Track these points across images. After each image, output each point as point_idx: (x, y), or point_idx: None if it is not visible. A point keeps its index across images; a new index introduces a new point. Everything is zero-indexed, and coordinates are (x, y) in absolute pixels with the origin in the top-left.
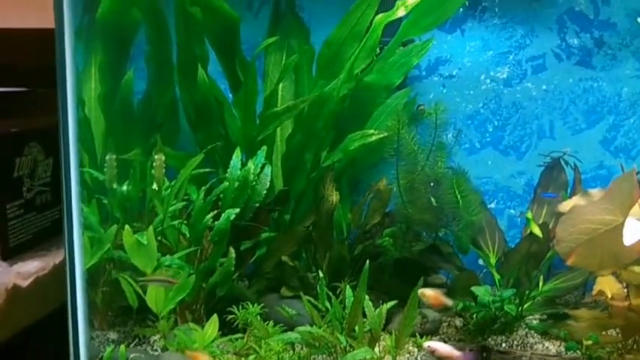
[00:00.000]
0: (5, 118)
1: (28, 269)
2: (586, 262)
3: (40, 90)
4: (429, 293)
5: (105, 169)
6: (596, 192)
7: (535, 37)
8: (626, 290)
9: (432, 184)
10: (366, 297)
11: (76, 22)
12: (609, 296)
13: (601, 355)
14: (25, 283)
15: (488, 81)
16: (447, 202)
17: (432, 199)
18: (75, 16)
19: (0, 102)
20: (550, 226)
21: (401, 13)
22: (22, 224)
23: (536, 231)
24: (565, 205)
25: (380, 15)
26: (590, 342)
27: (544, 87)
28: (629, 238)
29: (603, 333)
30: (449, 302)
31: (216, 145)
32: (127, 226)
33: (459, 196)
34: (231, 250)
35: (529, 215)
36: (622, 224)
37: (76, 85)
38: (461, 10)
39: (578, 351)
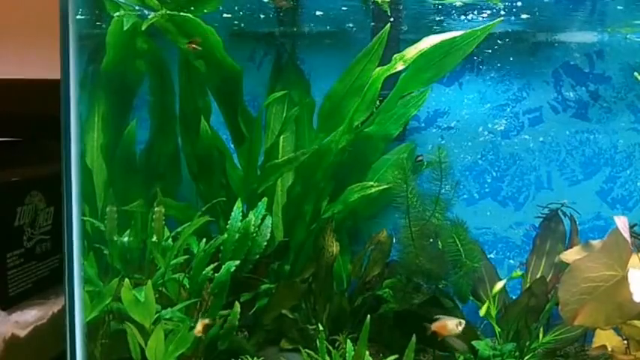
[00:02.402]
0: (7, 167)
1: (27, 318)
2: (592, 320)
3: (42, 139)
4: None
5: (106, 221)
6: (594, 244)
7: (532, 90)
8: (626, 343)
9: (434, 234)
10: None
11: (80, 72)
12: (609, 349)
13: None
14: (23, 333)
15: (486, 133)
16: (449, 251)
17: (439, 248)
18: (79, 67)
19: (1, 151)
20: (549, 278)
21: (399, 67)
22: (21, 273)
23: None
24: (565, 255)
25: (379, 69)
26: None
27: (541, 139)
28: (638, 293)
29: None
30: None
31: (222, 199)
32: (126, 281)
33: (459, 245)
34: (237, 304)
35: (517, 273)
36: (623, 278)
37: (79, 135)
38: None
39: None
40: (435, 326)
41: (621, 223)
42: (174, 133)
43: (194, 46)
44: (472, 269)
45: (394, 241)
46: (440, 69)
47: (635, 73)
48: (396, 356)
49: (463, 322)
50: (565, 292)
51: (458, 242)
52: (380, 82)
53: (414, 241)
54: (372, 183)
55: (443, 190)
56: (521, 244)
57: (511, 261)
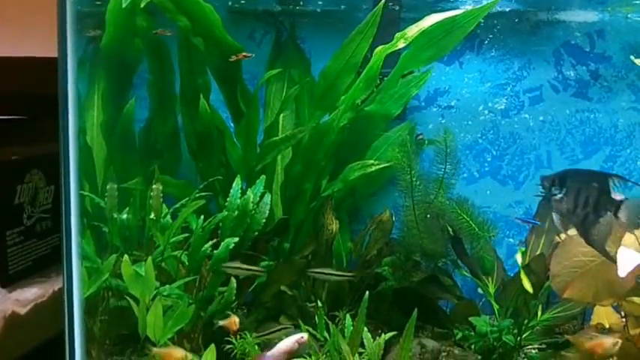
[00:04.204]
0: (7, 145)
1: (27, 296)
2: (581, 294)
3: (42, 118)
4: None
5: (106, 198)
6: None
7: (532, 70)
8: (624, 320)
9: (438, 214)
10: (365, 329)
11: (79, 51)
12: (607, 326)
13: None
14: (23, 311)
15: (486, 112)
16: (461, 227)
17: (444, 228)
18: (78, 45)
19: (1, 130)
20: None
21: (400, 45)
22: (21, 251)
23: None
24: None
25: (380, 47)
26: None
27: (541, 118)
28: (623, 268)
29: None
30: None
31: (218, 176)
32: (125, 257)
33: (469, 219)
34: (233, 280)
35: (518, 256)
36: (615, 255)
37: (79, 113)
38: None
39: None
40: (589, 345)
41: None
42: (173, 111)
43: (163, 31)
44: (489, 239)
45: (395, 219)
46: (441, 47)
47: (632, 57)
48: (395, 333)
49: (620, 341)
50: (557, 264)
51: (468, 218)
52: (381, 60)
53: (417, 220)
54: (372, 161)
55: (444, 170)
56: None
57: (510, 240)
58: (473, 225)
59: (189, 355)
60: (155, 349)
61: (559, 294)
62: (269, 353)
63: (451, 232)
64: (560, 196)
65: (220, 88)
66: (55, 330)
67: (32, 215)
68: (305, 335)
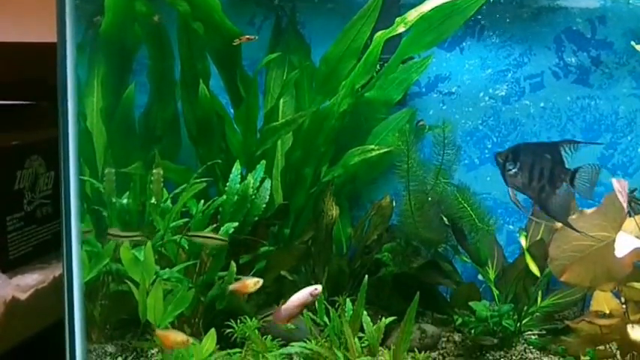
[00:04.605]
0: (7, 131)
1: (28, 282)
2: (579, 278)
3: (42, 103)
4: None
5: (104, 182)
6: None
7: (533, 56)
8: (624, 306)
9: (438, 202)
10: (365, 312)
11: (79, 36)
12: (607, 312)
13: None
14: (23, 296)
15: (487, 98)
16: (461, 217)
17: (442, 217)
18: (78, 30)
19: (1, 115)
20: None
21: (400, 29)
22: (22, 237)
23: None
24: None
25: (380, 32)
26: (587, 358)
27: (542, 104)
28: (620, 249)
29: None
30: None
31: (217, 160)
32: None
33: (470, 210)
34: (232, 264)
35: (522, 238)
36: (614, 241)
37: (78, 98)
38: (460, 28)
39: None
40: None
41: (619, 185)
42: (173, 96)
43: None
44: (488, 232)
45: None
46: (441, 32)
47: (633, 43)
48: (395, 317)
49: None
50: (556, 248)
51: (468, 207)
52: (380, 45)
53: (415, 207)
54: (372, 146)
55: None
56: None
57: (510, 226)
58: (472, 215)
59: (191, 339)
60: (157, 331)
61: (556, 277)
62: (284, 307)
63: (446, 221)
64: (514, 170)
65: (220, 74)
66: (56, 316)
67: (32, 201)
68: (319, 287)
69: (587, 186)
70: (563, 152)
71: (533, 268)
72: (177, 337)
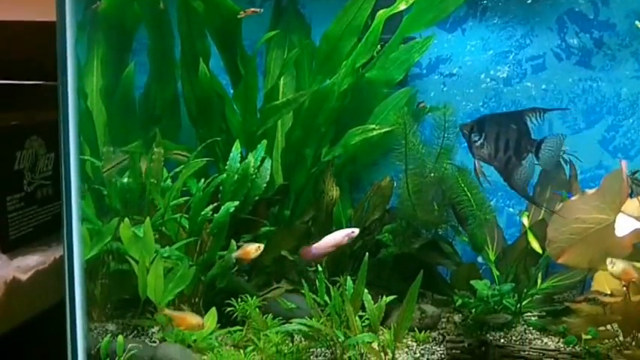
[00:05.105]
0: (6, 111)
1: (28, 263)
2: (577, 260)
3: (42, 83)
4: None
5: (103, 161)
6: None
7: (535, 37)
8: (625, 287)
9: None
10: (366, 291)
11: (78, 15)
12: (608, 292)
13: (600, 351)
14: (24, 277)
15: (488, 80)
16: (459, 202)
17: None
18: (77, 10)
19: (1, 95)
20: None
21: (402, 7)
22: (22, 217)
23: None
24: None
25: (382, 10)
26: (589, 337)
27: (544, 86)
28: (621, 229)
29: (602, 328)
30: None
31: (217, 139)
32: (125, 220)
33: (469, 195)
34: (233, 242)
35: (524, 218)
36: (614, 222)
37: (79, 78)
38: (461, 9)
39: (577, 346)
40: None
41: (621, 166)
42: (173, 76)
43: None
44: (485, 220)
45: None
46: (442, 9)
47: (637, 22)
48: (395, 296)
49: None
50: (554, 230)
51: (468, 193)
52: (382, 23)
53: (416, 188)
54: (373, 126)
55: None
56: None
57: (510, 209)
58: (471, 201)
59: (204, 323)
60: (168, 311)
61: (554, 259)
62: (316, 244)
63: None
64: (480, 142)
65: (220, 53)
66: (57, 297)
67: (32, 182)
68: (356, 230)
69: (552, 156)
70: (528, 121)
71: (536, 246)
72: (192, 319)
